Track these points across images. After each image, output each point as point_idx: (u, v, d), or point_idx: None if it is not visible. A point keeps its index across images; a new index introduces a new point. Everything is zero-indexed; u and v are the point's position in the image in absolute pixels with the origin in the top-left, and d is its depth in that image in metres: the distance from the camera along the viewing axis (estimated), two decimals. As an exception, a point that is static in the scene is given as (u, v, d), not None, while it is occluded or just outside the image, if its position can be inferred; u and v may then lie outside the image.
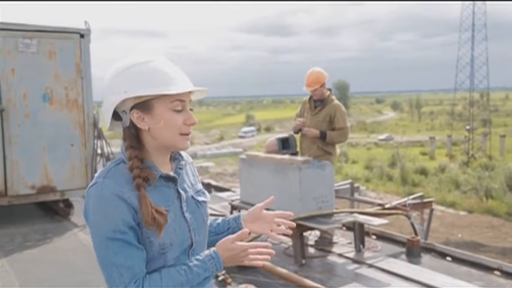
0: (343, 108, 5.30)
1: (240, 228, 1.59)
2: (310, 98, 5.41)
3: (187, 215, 1.48)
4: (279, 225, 1.60)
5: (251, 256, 1.44)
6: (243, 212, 1.67)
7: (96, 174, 1.43)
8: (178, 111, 1.40)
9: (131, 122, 1.41)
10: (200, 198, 1.56)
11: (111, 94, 1.40)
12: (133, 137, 1.42)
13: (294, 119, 5.56)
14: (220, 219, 1.69)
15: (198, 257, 1.43)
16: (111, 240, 1.33)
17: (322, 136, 5.17)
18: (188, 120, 1.41)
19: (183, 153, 1.60)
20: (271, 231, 1.58)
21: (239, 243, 1.43)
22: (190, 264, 1.41)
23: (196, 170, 1.66)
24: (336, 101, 5.28)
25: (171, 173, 1.48)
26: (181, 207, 1.47)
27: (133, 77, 1.38)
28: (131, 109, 1.40)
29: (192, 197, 1.53)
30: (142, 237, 1.38)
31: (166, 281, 1.36)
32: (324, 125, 5.22)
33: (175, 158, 1.54)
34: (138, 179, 1.36)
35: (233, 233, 1.51)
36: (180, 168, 1.52)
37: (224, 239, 1.45)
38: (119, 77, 1.40)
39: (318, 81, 5.19)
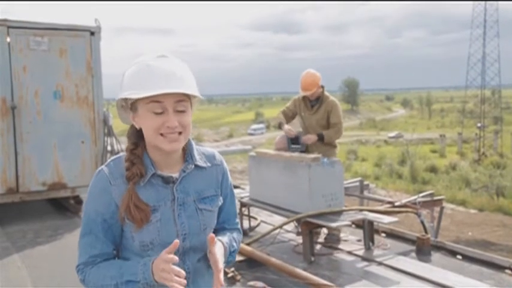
0: (338, 104, 5.46)
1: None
2: (304, 97, 5.45)
3: (179, 219, 1.44)
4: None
5: (167, 277, 1.28)
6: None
7: None
8: (158, 113, 1.36)
9: None
10: (202, 206, 1.49)
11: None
12: (134, 133, 1.47)
13: (281, 112, 5.57)
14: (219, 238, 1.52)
15: (144, 260, 1.37)
16: (84, 222, 1.46)
17: (320, 138, 5.30)
18: (167, 122, 1.36)
19: (217, 156, 1.57)
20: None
21: (167, 266, 1.29)
22: (128, 262, 1.41)
23: (222, 177, 1.57)
24: (332, 98, 5.43)
25: (170, 174, 1.45)
26: (173, 209, 1.44)
27: (126, 78, 1.41)
28: (130, 107, 1.44)
29: (194, 202, 1.48)
30: (124, 231, 1.43)
31: (103, 271, 1.41)
32: (324, 121, 5.37)
33: (186, 159, 1.50)
34: (128, 172, 1.42)
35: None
36: (184, 171, 1.48)
37: (162, 254, 1.32)
38: (122, 77, 1.44)
39: (315, 84, 5.28)
